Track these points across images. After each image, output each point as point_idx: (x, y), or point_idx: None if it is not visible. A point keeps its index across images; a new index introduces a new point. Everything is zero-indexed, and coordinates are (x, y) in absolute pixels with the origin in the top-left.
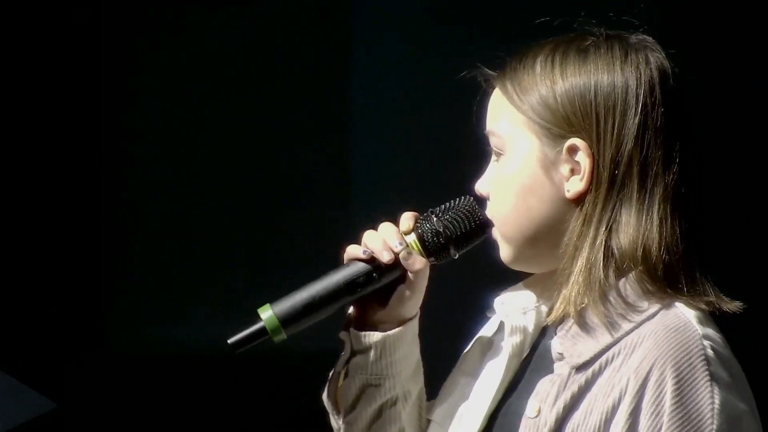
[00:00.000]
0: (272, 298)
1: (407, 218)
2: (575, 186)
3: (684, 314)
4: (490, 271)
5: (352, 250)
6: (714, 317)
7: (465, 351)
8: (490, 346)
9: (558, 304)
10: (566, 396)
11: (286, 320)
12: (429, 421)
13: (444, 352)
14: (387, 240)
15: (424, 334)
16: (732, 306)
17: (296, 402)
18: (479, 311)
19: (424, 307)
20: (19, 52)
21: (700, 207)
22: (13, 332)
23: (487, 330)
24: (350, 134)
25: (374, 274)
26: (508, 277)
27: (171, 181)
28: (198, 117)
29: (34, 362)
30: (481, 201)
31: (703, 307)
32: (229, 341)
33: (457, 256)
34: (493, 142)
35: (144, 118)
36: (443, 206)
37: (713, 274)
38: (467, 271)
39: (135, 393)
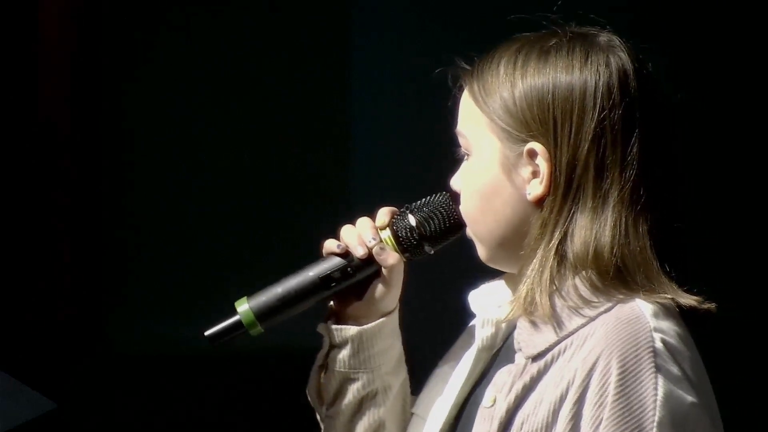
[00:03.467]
0: None
1: (383, 213)
2: (535, 189)
3: (639, 307)
4: (475, 267)
5: (328, 245)
6: (716, 319)
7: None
8: (470, 340)
9: (511, 304)
10: (518, 386)
11: (262, 314)
12: (413, 414)
13: (430, 348)
14: (362, 235)
15: (409, 329)
16: (689, 301)
17: (297, 401)
18: (465, 307)
19: (410, 303)
20: (18, 52)
21: (666, 206)
22: (13, 332)
23: (472, 325)
24: (350, 134)
25: (349, 269)
26: (493, 273)
27: (171, 182)
28: (197, 117)
29: (34, 362)
30: (457, 197)
31: (664, 301)
32: (206, 333)
33: (432, 252)
34: (462, 142)
35: (143, 119)
36: (419, 202)
37: (711, 273)
38: (452, 266)
39: (136, 393)
